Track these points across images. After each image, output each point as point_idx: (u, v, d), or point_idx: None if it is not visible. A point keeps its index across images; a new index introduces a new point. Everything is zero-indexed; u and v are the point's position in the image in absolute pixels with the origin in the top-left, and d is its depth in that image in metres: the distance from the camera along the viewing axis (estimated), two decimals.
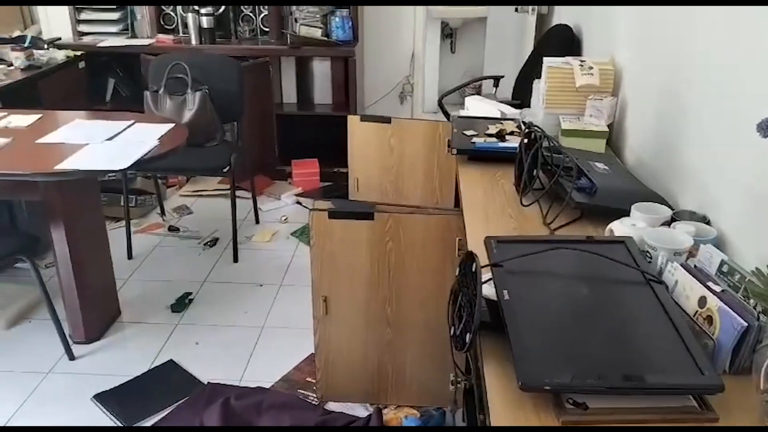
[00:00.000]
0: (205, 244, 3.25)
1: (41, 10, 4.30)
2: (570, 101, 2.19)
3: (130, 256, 3.12)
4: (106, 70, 4.03)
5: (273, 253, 3.22)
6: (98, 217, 2.50)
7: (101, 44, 3.82)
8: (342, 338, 2.01)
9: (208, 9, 3.78)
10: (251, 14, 4.01)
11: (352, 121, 2.78)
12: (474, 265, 1.15)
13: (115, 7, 3.93)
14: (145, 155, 2.14)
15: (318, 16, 3.88)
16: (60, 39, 3.90)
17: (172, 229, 3.40)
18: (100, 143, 2.26)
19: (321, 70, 4.08)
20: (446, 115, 3.36)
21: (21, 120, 2.49)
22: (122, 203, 3.23)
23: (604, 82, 2.16)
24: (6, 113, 2.58)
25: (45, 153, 2.19)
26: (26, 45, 3.38)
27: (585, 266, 1.29)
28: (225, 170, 3.00)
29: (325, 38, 3.83)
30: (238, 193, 3.80)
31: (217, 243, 3.28)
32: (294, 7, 3.98)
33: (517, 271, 1.24)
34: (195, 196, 3.81)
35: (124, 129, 2.41)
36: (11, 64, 3.31)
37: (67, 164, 2.04)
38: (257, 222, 3.52)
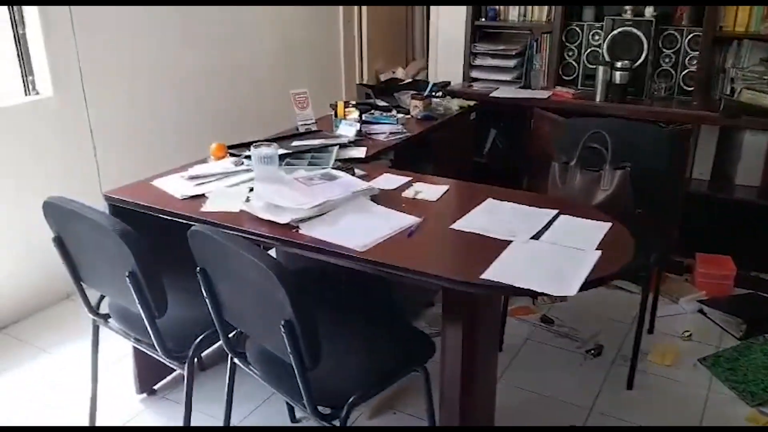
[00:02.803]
0: (587, 351, 2.65)
1: (432, 50, 4.19)
2: None
3: (500, 348, 2.67)
4: (488, 121, 3.72)
5: (678, 386, 2.46)
6: (496, 318, 2.06)
7: (494, 94, 3.50)
8: None
9: (625, 62, 3.18)
10: (671, 69, 3.30)
11: None
12: None
13: (513, 54, 3.58)
14: (588, 279, 1.59)
15: (766, 77, 3.00)
16: (449, 84, 3.71)
17: (546, 320, 2.87)
18: (526, 242, 1.79)
19: (753, 144, 3.18)
20: None
21: (429, 191, 2.16)
22: None
23: None
24: (410, 178, 2.29)
25: (462, 246, 1.80)
26: (426, 93, 3.19)
27: None
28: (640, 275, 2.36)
29: None
30: (621, 283, 3.14)
31: (602, 352, 2.65)
32: (729, 65, 3.17)
33: None
34: None
35: (550, 221, 1.91)
36: (408, 112, 3.13)
37: (494, 273, 1.60)
38: (650, 331, 2.80)
